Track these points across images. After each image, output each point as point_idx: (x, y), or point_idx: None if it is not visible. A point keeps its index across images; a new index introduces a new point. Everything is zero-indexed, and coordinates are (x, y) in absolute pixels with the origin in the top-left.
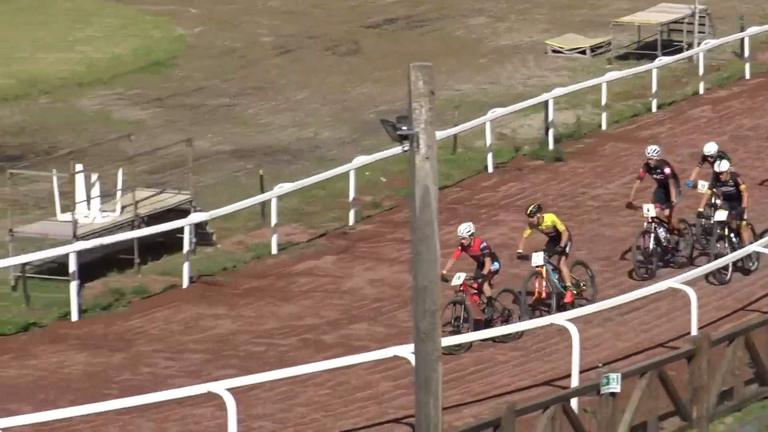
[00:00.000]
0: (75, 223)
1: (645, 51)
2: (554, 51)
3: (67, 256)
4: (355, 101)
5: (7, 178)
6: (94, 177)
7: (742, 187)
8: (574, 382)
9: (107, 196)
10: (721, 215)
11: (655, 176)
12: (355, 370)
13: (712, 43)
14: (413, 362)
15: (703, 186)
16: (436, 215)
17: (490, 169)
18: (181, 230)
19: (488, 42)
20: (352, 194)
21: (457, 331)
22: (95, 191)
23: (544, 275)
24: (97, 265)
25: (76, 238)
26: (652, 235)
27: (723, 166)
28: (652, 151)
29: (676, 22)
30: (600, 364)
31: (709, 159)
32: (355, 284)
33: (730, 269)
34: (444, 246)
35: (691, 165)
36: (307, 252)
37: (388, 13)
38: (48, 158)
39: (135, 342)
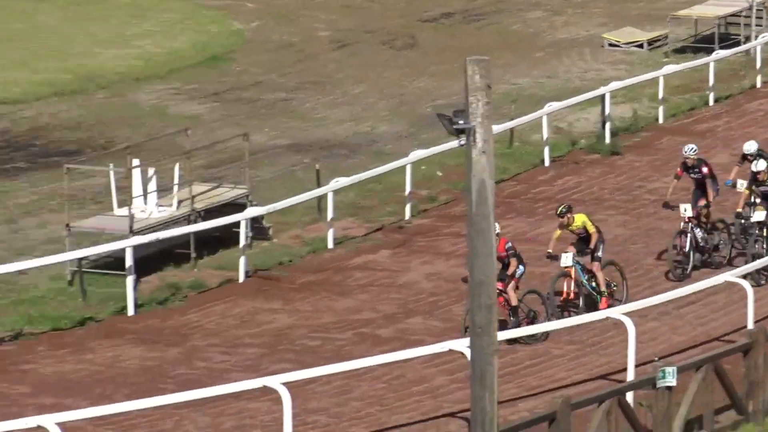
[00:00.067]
0: (131, 217)
1: (702, 44)
2: (611, 44)
3: (123, 250)
4: (412, 95)
5: (64, 173)
6: (150, 171)
7: None
8: (630, 375)
9: (164, 190)
10: (760, 215)
11: (692, 175)
12: (410, 364)
13: None
14: (469, 356)
15: (742, 185)
16: (492, 209)
17: (547, 163)
18: (237, 225)
19: (545, 36)
20: (408, 188)
21: None
22: (152, 186)
23: (573, 276)
24: (153, 259)
25: (133, 232)
26: (689, 235)
27: (760, 165)
28: (690, 150)
29: (733, 15)
30: (656, 358)
31: (749, 158)
32: (411, 278)
33: None
34: None
35: None
36: (363, 246)
37: (445, 7)
38: (105, 153)
39: (191, 336)
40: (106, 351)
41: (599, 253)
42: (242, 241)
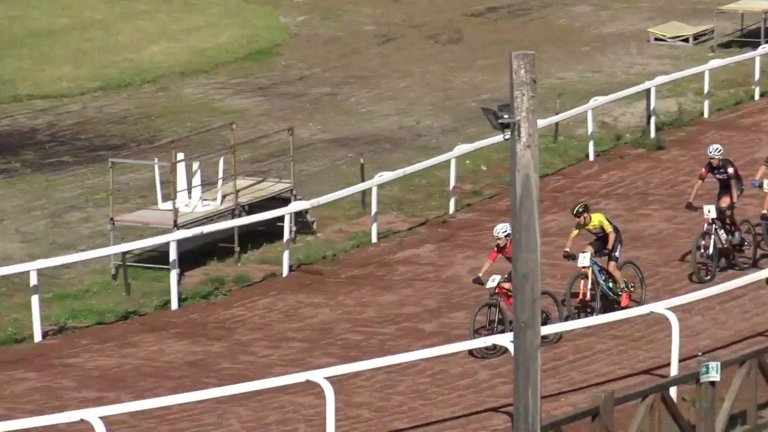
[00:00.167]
0: (176, 211)
1: (748, 39)
2: (657, 39)
3: (167, 244)
4: (457, 90)
5: (109, 167)
6: (195, 166)
7: None
8: (674, 370)
9: (208, 184)
10: None
11: (717, 176)
12: (454, 358)
13: None
14: (512, 351)
15: None
16: (537, 204)
17: (592, 158)
18: (281, 219)
19: (591, 30)
20: (452, 182)
21: (491, 334)
22: (196, 180)
23: (590, 276)
24: (197, 253)
25: (177, 226)
26: (713, 236)
27: None
28: (715, 150)
29: None
30: (700, 353)
31: None
32: (455, 273)
33: None
34: (544, 234)
35: None
36: (407, 240)
37: (491, 1)
38: (150, 147)
39: (235, 330)
40: (149, 345)
41: (616, 253)
42: (286, 236)
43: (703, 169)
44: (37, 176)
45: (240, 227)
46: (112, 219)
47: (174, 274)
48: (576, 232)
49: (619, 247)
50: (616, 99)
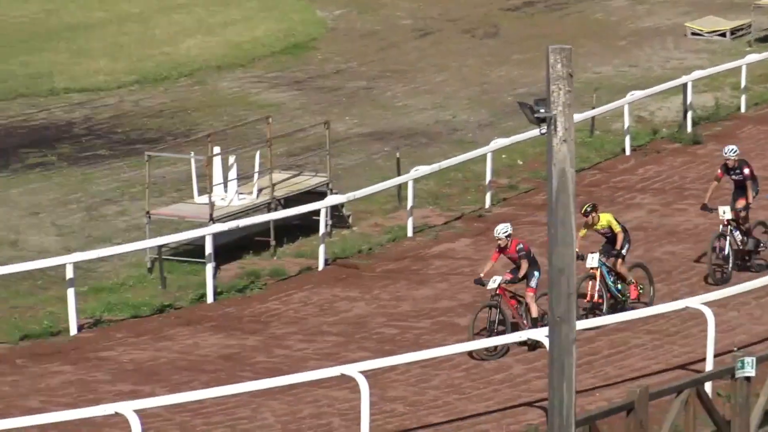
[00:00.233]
0: (212, 205)
1: None
2: (694, 33)
3: (203, 238)
4: (493, 84)
5: (145, 160)
6: (231, 159)
7: None
8: (709, 366)
9: (244, 178)
10: None
11: (733, 177)
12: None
13: None
14: (547, 346)
15: None
16: (573, 198)
17: (628, 152)
18: (317, 213)
19: (628, 24)
20: (488, 177)
21: (491, 335)
22: (232, 173)
23: (598, 277)
24: (233, 247)
25: (213, 220)
26: (728, 238)
27: None
28: (730, 151)
29: None
30: (735, 348)
31: None
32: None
33: None
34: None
35: None
36: (443, 235)
37: None
38: (186, 141)
39: (270, 324)
40: (184, 338)
41: (624, 251)
42: (322, 229)
43: (719, 170)
44: (74, 169)
45: (276, 221)
46: (148, 212)
47: (209, 268)
48: (584, 231)
49: (627, 246)
50: (652, 93)
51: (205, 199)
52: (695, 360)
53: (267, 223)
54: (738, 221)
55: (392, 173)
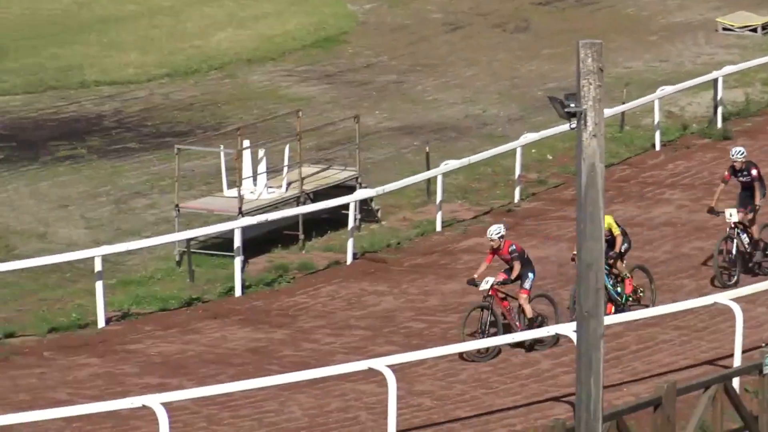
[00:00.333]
0: (241, 198)
1: None
2: (725, 29)
3: (232, 231)
4: (524, 78)
5: (174, 153)
6: (261, 153)
7: None
8: (737, 361)
9: (274, 171)
10: None
11: (740, 179)
12: (517, 347)
13: None
14: (575, 341)
15: None
16: (602, 193)
17: (658, 147)
18: (346, 207)
19: (659, 19)
20: (518, 171)
21: (483, 337)
22: (262, 167)
23: None
24: (261, 240)
25: (242, 213)
26: (735, 240)
27: None
28: (737, 153)
29: None
30: (763, 344)
31: None
32: None
33: None
34: None
35: None
36: (471, 229)
37: None
38: (216, 134)
39: (298, 318)
40: (212, 332)
41: (623, 250)
42: (351, 223)
43: (726, 173)
44: (103, 162)
45: (304, 215)
46: (177, 206)
47: (238, 261)
48: None
49: (626, 246)
50: (683, 89)
51: (234, 192)
52: (723, 356)
53: (296, 216)
54: (745, 224)
55: (421, 167)
